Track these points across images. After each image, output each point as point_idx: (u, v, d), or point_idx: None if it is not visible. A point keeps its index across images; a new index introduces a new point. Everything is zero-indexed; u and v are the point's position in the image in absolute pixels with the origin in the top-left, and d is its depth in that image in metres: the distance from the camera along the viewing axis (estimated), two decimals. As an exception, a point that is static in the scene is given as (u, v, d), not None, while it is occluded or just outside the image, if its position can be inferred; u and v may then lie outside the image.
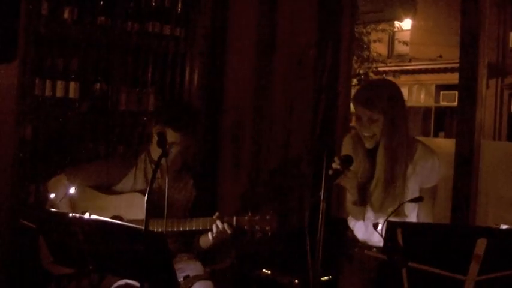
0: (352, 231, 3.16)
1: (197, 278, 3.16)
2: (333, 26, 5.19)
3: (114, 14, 4.25)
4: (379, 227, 2.40)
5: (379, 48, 16.28)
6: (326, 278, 3.62)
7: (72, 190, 3.14)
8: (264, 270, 4.41)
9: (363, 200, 2.98)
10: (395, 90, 2.99)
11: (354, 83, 6.42)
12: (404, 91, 20.09)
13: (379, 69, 16.08)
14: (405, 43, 17.96)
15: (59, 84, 4.03)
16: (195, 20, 4.68)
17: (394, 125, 2.86)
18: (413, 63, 20.35)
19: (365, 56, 14.98)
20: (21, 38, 3.71)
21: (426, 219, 2.94)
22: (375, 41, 15.34)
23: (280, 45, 5.06)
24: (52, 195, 3.21)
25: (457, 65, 4.48)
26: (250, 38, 4.96)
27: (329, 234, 2.53)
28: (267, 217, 3.13)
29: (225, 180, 4.85)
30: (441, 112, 20.46)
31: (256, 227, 3.13)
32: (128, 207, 3.24)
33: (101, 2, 4.19)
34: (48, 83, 3.99)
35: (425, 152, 2.96)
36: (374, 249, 2.78)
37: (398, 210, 2.84)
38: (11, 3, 3.56)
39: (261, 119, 5.00)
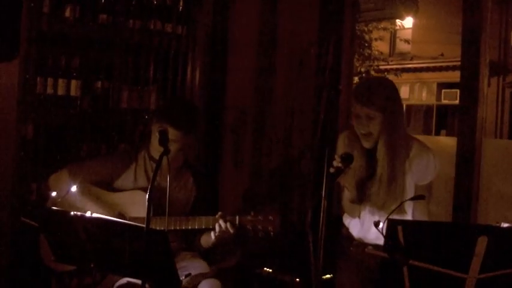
0: (347, 229, 3.15)
1: (203, 276, 3.16)
2: (335, 24, 5.18)
3: (115, 12, 4.26)
4: (380, 225, 2.40)
5: (380, 47, 16.27)
6: (328, 276, 3.62)
7: (73, 188, 3.14)
8: (265, 268, 4.41)
9: (360, 198, 2.98)
10: (393, 88, 3.00)
11: (355, 82, 6.40)
12: (406, 89, 20.11)
13: (381, 67, 16.07)
14: (407, 41, 17.94)
15: (61, 82, 4.03)
16: (196, 18, 4.68)
17: (393, 123, 2.87)
18: (414, 62, 20.34)
19: (366, 54, 14.96)
20: (22, 36, 3.72)
21: (421, 216, 2.94)
22: (376, 39, 15.32)
23: (281, 44, 5.06)
24: (53, 194, 3.22)
25: (459, 63, 4.48)
26: (252, 37, 4.96)
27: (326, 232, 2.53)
28: (270, 217, 3.13)
29: (226, 179, 4.85)
30: (443, 110, 20.46)
31: (259, 227, 3.12)
32: (130, 205, 3.24)
33: (103, 0, 4.20)
34: (49, 81, 3.99)
35: (421, 150, 2.96)
36: (370, 246, 2.78)
37: (399, 208, 2.84)
38: (13, 1, 3.56)
39: (263, 118, 5.00)
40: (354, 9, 5.38)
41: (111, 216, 3.01)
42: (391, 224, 2.27)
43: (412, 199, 2.86)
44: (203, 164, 4.59)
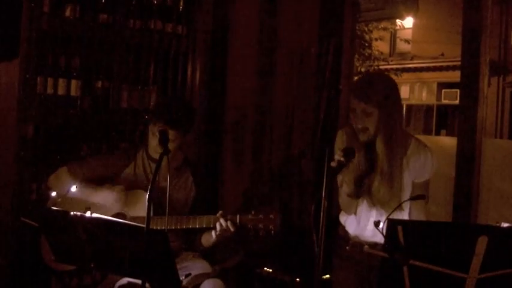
0: (343, 228, 3.14)
1: (205, 276, 3.16)
2: (335, 24, 5.18)
3: (116, 11, 4.26)
4: (381, 225, 2.40)
5: (380, 47, 16.27)
6: (328, 276, 3.62)
7: (73, 188, 3.14)
8: (266, 268, 4.41)
9: (357, 193, 2.97)
10: (392, 84, 2.98)
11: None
12: (406, 89, 20.11)
13: (381, 67, 16.07)
14: (407, 41, 17.95)
15: (61, 82, 4.04)
16: (196, 18, 4.68)
17: (390, 120, 2.86)
18: (415, 61, 20.33)
19: (367, 54, 14.96)
20: (23, 35, 3.72)
21: (418, 215, 2.93)
22: (376, 39, 15.32)
23: (281, 44, 5.06)
24: (54, 194, 3.22)
25: (459, 63, 4.48)
26: (252, 36, 4.96)
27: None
28: (271, 216, 3.13)
29: (226, 178, 4.85)
30: (443, 110, 20.45)
31: (260, 225, 3.13)
32: (130, 204, 3.24)
33: (103, 0, 4.20)
34: (50, 81, 3.99)
35: (418, 147, 2.96)
36: (366, 246, 2.77)
37: (398, 209, 2.85)
38: (13, 1, 3.57)
39: (263, 117, 5.00)
40: (354, 9, 5.37)
41: (110, 215, 3.02)
42: (391, 224, 2.27)
43: (412, 199, 2.85)
44: (204, 164, 4.59)
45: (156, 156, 2.86)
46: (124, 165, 3.40)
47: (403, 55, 20.60)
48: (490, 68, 4.46)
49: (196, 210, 3.31)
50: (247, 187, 4.94)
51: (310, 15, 5.17)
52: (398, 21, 15.24)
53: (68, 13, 4.03)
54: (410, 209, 2.94)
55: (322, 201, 2.53)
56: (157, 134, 3.17)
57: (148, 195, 2.52)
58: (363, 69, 14.51)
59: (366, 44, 14.80)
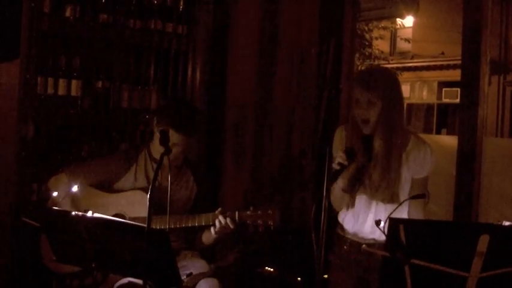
0: (341, 227, 3.13)
1: (202, 275, 3.16)
2: (335, 24, 5.18)
3: (116, 11, 4.26)
4: (382, 224, 2.40)
5: (381, 46, 16.26)
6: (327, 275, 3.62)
7: (74, 189, 3.14)
8: (267, 268, 4.41)
9: (352, 187, 2.96)
10: (394, 78, 3.03)
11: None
12: (407, 88, 20.09)
13: (382, 66, 16.07)
14: (407, 40, 17.94)
15: (61, 82, 4.03)
16: (197, 18, 4.68)
17: (392, 111, 2.86)
18: (415, 60, 20.32)
19: (367, 53, 14.95)
20: (23, 36, 3.72)
21: (417, 213, 2.93)
22: (377, 38, 15.32)
23: (282, 43, 5.06)
24: (54, 194, 3.22)
25: (459, 61, 4.48)
26: (253, 36, 4.95)
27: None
28: (269, 212, 3.13)
29: (227, 178, 4.85)
30: (443, 109, 20.45)
31: (259, 221, 3.13)
32: (130, 205, 3.24)
33: (103, 0, 4.20)
34: (50, 81, 3.99)
35: (417, 143, 2.96)
36: (364, 245, 2.77)
37: (396, 200, 2.86)
38: (13, 1, 3.56)
39: (264, 117, 5.00)
40: (354, 8, 5.38)
41: (109, 216, 3.02)
42: (393, 223, 2.27)
43: (412, 198, 2.85)
44: (204, 163, 4.59)
45: (158, 156, 2.86)
46: (124, 168, 3.39)
47: (403, 54, 20.59)
48: (490, 66, 4.46)
49: (197, 210, 3.31)
50: (248, 187, 4.94)
51: (310, 14, 5.17)
52: (398, 20, 15.21)
53: (68, 13, 4.03)
54: (409, 207, 2.94)
55: (323, 201, 2.53)
56: (157, 133, 3.17)
57: (150, 195, 2.51)
58: (363, 68, 14.51)
59: (366, 43, 14.80)
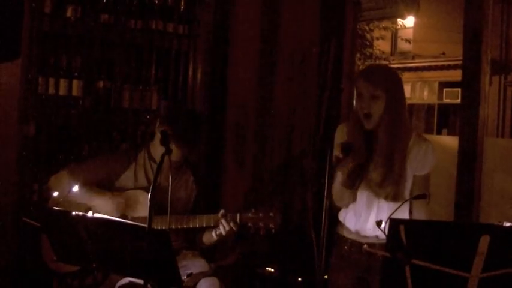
0: (342, 226, 3.12)
1: (202, 274, 3.16)
2: (336, 24, 5.18)
3: (117, 11, 4.26)
4: (383, 224, 2.40)
5: (382, 46, 16.26)
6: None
7: (75, 189, 3.14)
8: (267, 268, 4.41)
9: (351, 183, 2.96)
10: (398, 76, 3.04)
11: (355, 84, 6.41)
12: (408, 88, 20.08)
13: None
14: (408, 41, 17.93)
15: (62, 82, 4.04)
16: (198, 18, 4.68)
17: (396, 106, 2.87)
18: (416, 61, 20.31)
19: (368, 53, 14.95)
20: (24, 36, 3.72)
21: (419, 213, 2.93)
22: (377, 39, 15.31)
23: (283, 43, 5.06)
24: (55, 194, 3.22)
25: (460, 62, 4.48)
26: (253, 36, 4.96)
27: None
28: (271, 214, 3.14)
29: (228, 178, 4.85)
30: (444, 109, 20.43)
31: (260, 223, 3.13)
32: (131, 205, 3.24)
33: (104, 0, 4.20)
34: (51, 81, 4.00)
35: (418, 140, 2.96)
36: (365, 245, 2.77)
37: (399, 197, 2.86)
38: (15, 2, 3.56)
39: (264, 117, 5.00)
40: (355, 8, 5.38)
41: (112, 216, 3.02)
42: (393, 223, 2.27)
43: (413, 198, 2.85)
44: (205, 163, 4.59)
45: (158, 157, 2.86)
46: (124, 166, 3.39)
47: (404, 54, 20.58)
48: (491, 67, 4.46)
49: (197, 210, 3.31)
50: (249, 187, 4.94)
51: (311, 14, 5.17)
52: (399, 21, 15.21)
53: (69, 13, 4.03)
54: (412, 207, 2.94)
55: (324, 201, 2.53)
56: (158, 134, 3.18)
57: (151, 194, 2.51)
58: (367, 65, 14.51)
59: (367, 43, 14.79)
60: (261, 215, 3.14)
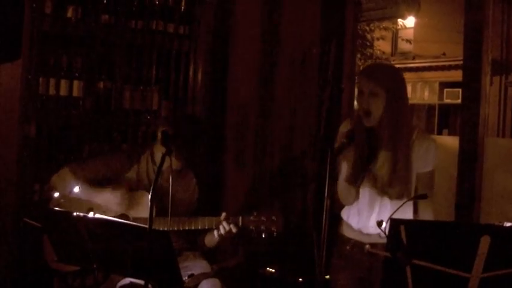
0: (345, 225, 3.12)
1: (204, 276, 3.16)
2: (337, 24, 5.18)
3: (117, 12, 4.26)
4: (384, 224, 2.40)
5: (382, 46, 16.29)
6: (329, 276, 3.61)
7: (76, 189, 3.15)
8: (268, 268, 4.41)
9: (355, 178, 2.96)
10: (400, 74, 3.03)
11: (357, 80, 6.42)
12: (408, 89, 20.04)
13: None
14: (408, 41, 17.94)
15: (63, 82, 4.04)
16: (198, 18, 4.68)
17: (398, 104, 2.86)
18: (416, 61, 20.33)
19: (369, 53, 14.97)
20: (25, 36, 3.72)
21: (425, 212, 2.92)
22: (378, 39, 15.34)
23: (283, 43, 5.06)
24: (56, 194, 3.22)
25: (461, 62, 4.47)
26: (254, 36, 4.96)
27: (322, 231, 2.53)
28: (273, 218, 3.14)
29: (228, 179, 4.85)
30: (445, 109, 20.44)
31: (262, 227, 3.13)
32: (133, 205, 3.24)
33: (105, 0, 4.20)
34: (52, 82, 4.00)
35: (421, 136, 2.95)
36: (368, 246, 2.76)
37: (405, 193, 2.85)
38: (15, 2, 3.57)
39: (265, 117, 5.00)
40: (355, 8, 5.38)
41: (113, 216, 3.02)
42: (394, 224, 2.27)
43: (414, 198, 2.85)
44: (206, 165, 4.58)
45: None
46: (126, 168, 3.39)
47: (404, 55, 20.60)
48: (492, 67, 4.45)
49: (199, 212, 3.31)
50: (249, 187, 4.94)
51: (312, 15, 5.17)
52: (400, 21, 15.23)
53: (69, 14, 4.03)
54: (417, 207, 2.93)
55: (325, 201, 2.52)
56: (159, 134, 3.18)
57: (151, 195, 2.51)
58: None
59: (368, 44, 14.81)
60: (263, 218, 3.14)
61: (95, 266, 2.69)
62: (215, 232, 3.16)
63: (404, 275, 2.26)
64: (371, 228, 2.98)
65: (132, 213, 3.22)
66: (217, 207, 3.26)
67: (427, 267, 2.20)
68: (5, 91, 3.80)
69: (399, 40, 20.18)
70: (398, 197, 2.87)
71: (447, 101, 20.15)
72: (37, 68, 3.85)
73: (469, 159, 4.22)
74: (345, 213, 3.12)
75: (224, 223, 3.12)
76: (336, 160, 2.82)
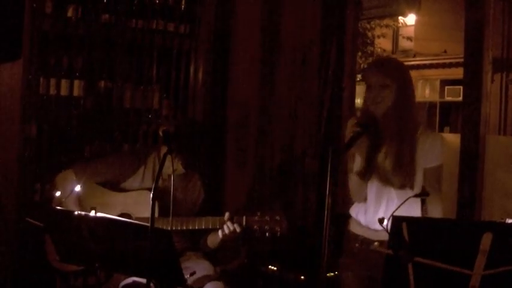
0: (354, 223, 3.11)
1: (208, 278, 3.16)
2: (337, 22, 5.17)
3: (118, 11, 4.26)
4: (385, 222, 2.39)
5: (383, 44, 16.27)
6: (331, 274, 3.62)
7: (78, 188, 3.15)
8: (270, 266, 4.41)
9: (366, 172, 2.95)
10: (406, 68, 3.05)
11: (358, 79, 6.42)
12: (409, 86, 20.04)
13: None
14: (409, 39, 17.93)
15: (64, 82, 4.04)
16: (199, 17, 4.68)
17: (405, 98, 2.86)
18: (417, 59, 20.29)
19: (369, 51, 14.96)
20: (25, 36, 3.71)
21: (435, 206, 2.91)
22: (379, 37, 15.33)
23: (284, 42, 5.06)
24: (58, 193, 3.22)
25: (462, 60, 4.47)
26: (255, 35, 4.96)
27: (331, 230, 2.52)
28: (277, 218, 3.13)
29: (229, 178, 4.85)
30: (446, 107, 20.41)
31: (266, 227, 3.13)
32: (136, 205, 3.24)
33: (105, 0, 4.20)
34: (52, 81, 4.00)
35: (427, 130, 2.95)
36: (376, 243, 2.75)
37: (409, 183, 2.85)
38: (15, 2, 3.57)
39: (266, 116, 5.00)
40: (356, 6, 5.37)
41: (115, 215, 3.02)
42: (396, 221, 2.27)
43: (416, 196, 2.84)
44: (207, 164, 4.58)
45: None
46: (134, 169, 3.39)
47: (405, 52, 20.57)
48: (493, 64, 4.45)
49: (203, 212, 3.31)
50: (250, 186, 4.93)
51: (312, 13, 5.17)
52: (400, 19, 15.24)
53: (70, 14, 4.04)
54: (426, 203, 2.92)
55: (327, 199, 2.52)
56: (160, 134, 3.18)
57: (152, 194, 2.51)
58: (366, 67, 14.51)
59: (369, 42, 14.81)
60: (267, 218, 3.14)
61: (97, 265, 2.69)
62: (219, 232, 3.15)
63: (406, 272, 2.26)
64: (378, 223, 2.97)
65: (136, 213, 3.22)
66: (218, 207, 3.26)
67: (428, 265, 2.19)
68: (6, 91, 3.80)
69: (400, 38, 20.15)
70: (402, 186, 2.86)
71: (448, 98, 20.11)
72: (37, 67, 3.86)
73: (471, 157, 4.21)
74: (353, 211, 3.12)
75: (228, 223, 3.11)
76: (344, 156, 2.82)
